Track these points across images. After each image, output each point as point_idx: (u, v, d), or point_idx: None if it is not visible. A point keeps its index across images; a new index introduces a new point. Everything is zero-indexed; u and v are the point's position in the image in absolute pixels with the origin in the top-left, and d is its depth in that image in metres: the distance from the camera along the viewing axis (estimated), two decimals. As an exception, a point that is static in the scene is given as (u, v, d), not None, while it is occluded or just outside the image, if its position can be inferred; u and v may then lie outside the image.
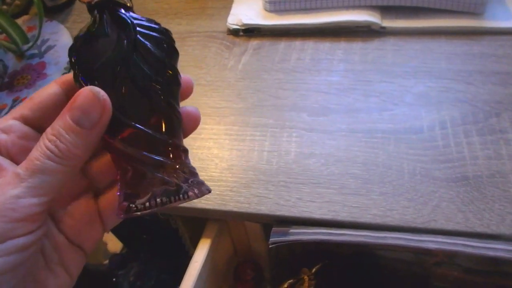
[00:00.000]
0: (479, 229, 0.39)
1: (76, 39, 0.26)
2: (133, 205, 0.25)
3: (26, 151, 0.25)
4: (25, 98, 0.59)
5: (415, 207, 0.41)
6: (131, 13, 0.26)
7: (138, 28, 0.25)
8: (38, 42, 0.66)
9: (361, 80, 0.52)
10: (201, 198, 0.26)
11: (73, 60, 0.26)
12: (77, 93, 0.24)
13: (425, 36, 0.55)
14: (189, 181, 0.26)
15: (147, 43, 0.25)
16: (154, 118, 0.26)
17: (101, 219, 0.29)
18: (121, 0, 0.26)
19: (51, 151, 0.23)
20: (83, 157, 0.24)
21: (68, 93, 0.27)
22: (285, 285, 0.51)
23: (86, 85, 0.24)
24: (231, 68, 0.56)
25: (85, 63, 0.25)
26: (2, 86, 0.61)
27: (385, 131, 0.47)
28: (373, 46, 0.55)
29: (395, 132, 0.46)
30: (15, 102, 0.58)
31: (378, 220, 0.41)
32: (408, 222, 0.40)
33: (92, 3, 0.25)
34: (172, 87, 0.27)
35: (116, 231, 0.74)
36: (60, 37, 0.66)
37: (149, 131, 0.25)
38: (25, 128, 0.27)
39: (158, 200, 0.25)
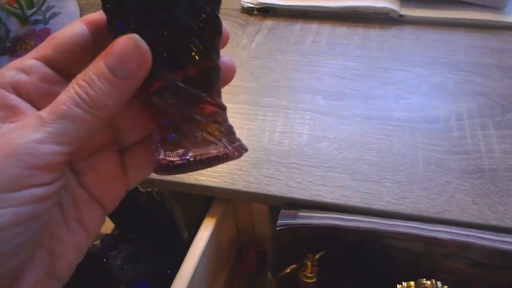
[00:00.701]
0: (493, 222, 0.38)
1: None
2: (171, 162, 0.24)
3: (47, 95, 0.23)
4: (29, 63, 0.57)
5: (429, 197, 0.40)
6: None
7: None
8: (43, 8, 0.63)
9: (378, 67, 0.51)
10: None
11: (109, 5, 0.23)
12: (116, 39, 0.22)
13: (444, 27, 0.54)
14: (227, 140, 0.25)
15: None
16: (191, 71, 0.24)
17: (125, 175, 0.27)
18: None
19: (81, 98, 0.21)
20: (113, 108, 0.22)
21: (94, 35, 0.25)
22: (288, 270, 0.50)
23: (121, 30, 0.22)
24: (244, 46, 0.55)
25: (121, 6, 0.23)
26: (4, 50, 0.59)
27: (401, 119, 0.46)
28: (391, 34, 0.54)
29: (410, 121, 0.46)
30: (19, 66, 0.56)
31: (391, 208, 0.40)
32: (421, 211, 0.40)
33: None
34: (213, 38, 0.25)
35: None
36: (66, 5, 0.64)
37: (185, 86, 0.24)
38: (47, 70, 0.24)
39: (196, 158, 0.24)
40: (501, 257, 0.42)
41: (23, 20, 0.63)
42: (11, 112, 0.22)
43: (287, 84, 0.50)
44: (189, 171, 0.25)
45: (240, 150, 0.26)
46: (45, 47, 0.24)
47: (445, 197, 0.40)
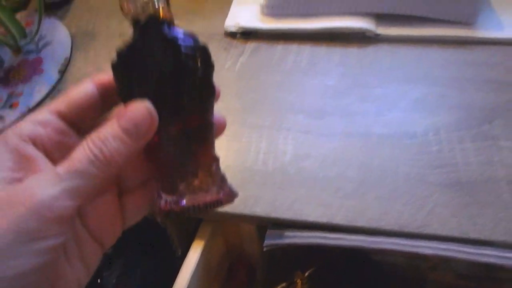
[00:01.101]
0: (472, 235, 0.39)
1: (121, 52, 0.27)
2: (170, 208, 0.27)
3: (60, 146, 0.26)
4: (20, 93, 0.58)
5: (409, 212, 0.41)
6: (173, 29, 0.27)
7: (181, 47, 0.26)
8: (36, 38, 0.65)
9: (357, 85, 0.52)
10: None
11: (119, 74, 0.27)
12: (131, 105, 0.25)
13: (419, 43, 0.56)
14: (220, 187, 0.28)
15: (188, 60, 0.27)
16: (188, 126, 0.27)
17: (123, 216, 0.29)
18: (168, 18, 0.27)
19: (95, 156, 0.24)
20: (123, 165, 0.25)
21: (103, 95, 0.28)
22: None
23: (130, 96, 0.26)
24: (228, 68, 0.57)
25: (129, 76, 0.27)
26: (-3, 80, 0.61)
27: (381, 135, 0.47)
28: (369, 52, 0.56)
29: (390, 137, 0.47)
30: (10, 96, 0.58)
31: (373, 224, 0.41)
32: (402, 227, 0.41)
33: (140, 21, 0.27)
34: (208, 100, 0.29)
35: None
36: (58, 34, 0.66)
37: (182, 139, 0.27)
38: (61, 124, 0.27)
39: (193, 204, 0.27)
40: (484, 269, 0.43)
41: (16, 49, 0.65)
42: (28, 162, 0.25)
43: (270, 104, 0.52)
44: (187, 215, 0.28)
45: (231, 196, 0.29)
46: (59, 103, 0.27)
47: (425, 211, 0.41)
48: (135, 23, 0.27)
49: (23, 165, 0.25)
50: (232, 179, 0.45)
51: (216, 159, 0.29)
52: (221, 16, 0.63)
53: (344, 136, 0.48)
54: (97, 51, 0.63)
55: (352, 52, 0.56)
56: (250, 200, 0.44)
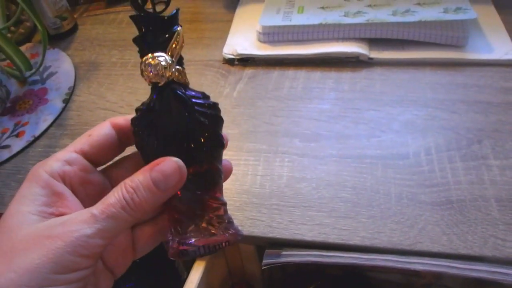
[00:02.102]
0: (463, 251, 0.41)
1: (140, 109, 0.31)
2: (182, 250, 0.30)
3: (84, 182, 0.30)
4: (26, 122, 0.61)
5: (401, 230, 0.43)
6: (188, 91, 0.31)
7: (194, 105, 0.30)
8: (40, 69, 0.68)
9: (351, 108, 0.54)
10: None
11: (138, 129, 0.31)
12: (162, 159, 0.28)
13: (411, 66, 0.58)
14: (227, 229, 0.31)
15: (201, 118, 0.30)
16: (200, 178, 0.31)
17: (134, 248, 0.32)
18: (183, 80, 0.31)
19: (127, 202, 0.27)
20: (149, 212, 0.28)
21: (119, 135, 0.32)
22: (278, 307, 0.52)
23: (147, 148, 0.30)
24: (226, 95, 0.59)
25: (147, 130, 0.30)
26: (5, 110, 0.63)
27: (373, 156, 0.49)
28: (362, 76, 0.58)
29: (382, 158, 0.49)
30: (17, 126, 0.60)
31: (366, 242, 0.42)
32: (395, 244, 0.42)
33: (158, 83, 0.30)
34: (218, 151, 0.32)
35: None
36: (62, 64, 0.69)
37: (194, 187, 0.30)
38: (85, 162, 0.30)
39: (203, 246, 0.30)
40: (476, 284, 0.44)
41: (22, 80, 0.68)
42: (58, 198, 0.28)
43: (266, 129, 0.54)
44: (198, 257, 0.34)
45: (237, 236, 0.32)
46: (83, 143, 0.31)
47: (417, 229, 0.43)
48: (154, 85, 0.30)
49: (55, 200, 0.28)
50: (230, 201, 0.47)
51: (223, 203, 0.32)
52: (219, 44, 0.66)
53: (338, 158, 0.49)
54: (99, 81, 0.66)
55: (346, 76, 0.58)
56: (248, 221, 0.45)
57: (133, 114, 0.32)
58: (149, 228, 0.33)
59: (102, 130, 0.31)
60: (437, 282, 0.44)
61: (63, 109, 0.62)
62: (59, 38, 0.74)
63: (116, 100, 0.62)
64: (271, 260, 0.44)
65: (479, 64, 0.57)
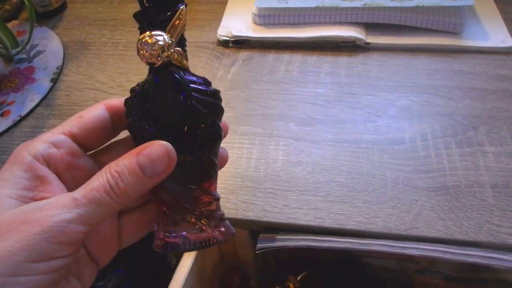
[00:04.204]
0: (458, 236, 0.41)
1: (134, 90, 0.29)
2: (168, 243, 0.28)
3: (71, 167, 0.28)
4: (12, 102, 0.59)
5: (397, 215, 0.42)
6: (187, 75, 0.28)
7: (193, 93, 0.28)
8: (27, 47, 0.66)
9: (347, 93, 0.54)
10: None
11: (131, 110, 0.28)
12: (150, 143, 0.26)
13: (407, 52, 0.58)
14: (217, 226, 0.29)
15: (198, 105, 0.28)
16: (192, 169, 0.29)
17: (120, 237, 0.31)
18: (183, 64, 0.28)
19: (111, 187, 0.24)
20: (134, 199, 0.26)
21: (113, 118, 0.30)
22: (270, 292, 0.51)
23: (139, 131, 0.28)
24: (220, 78, 0.58)
25: (140, 113, 0.28)
26: (-11, 89, 0.61)
27: (369, 141, 0.48)
28: (358, 61, 0.57)
29: (378, 143, 0.48)
30: (2, 105, 0.58)
31: (362, 227, 0.42)
32: (391, 229, 0.42)
33: (155, 64, 0.28)
34: (214, 143, 0.30)
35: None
36: (50, 43, 0.67)
37: (186, 181, 0.28)
38: (73, 145, 0.28)
39: (190, 241, 0.28)
40: (471, 270, 0.44)
41: (8, 59, 0.65)
42: (40, 182, 0.26)
43: (262, 112, 0.53)
44: (184, 252, 0.30)
45: (228, 235, 0.30)
46: (73, 125, 0.28)
47: (413, 214, 0.42)
48: (151, 65, 0.28)
49: (37, 184, 0.26)
50: (224, 184, 0.46)
51: (216, 199, 0.30)
52: (214, 26, 0.64)
53: (334, 142, 0.49)
54: (89, 61, 0.64)
55: (342, 61, 0.58)
56: (243, 205, 0.45)
57: (128, 96, 0.30)
58: (137, 217, 0.31)
59: (94, 112, 0.29)
60: (432, 267, 0.44)
61: (51, 89, 0.60)
62: (47, 16, 0.72)
63: (106, 81, 0.60)
64: (265, 244, 0.43)
65: (475, 51, 0.57)
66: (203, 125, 0.28)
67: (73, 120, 0.29)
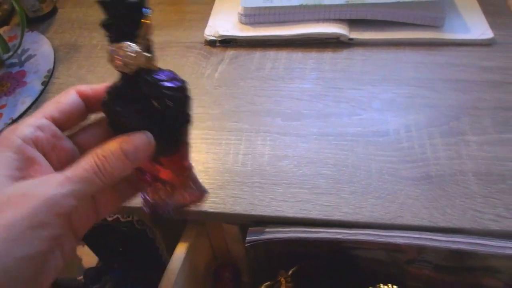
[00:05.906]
0: (442, 223, 0.41)
1: (110, 91, 0.32)
2: (152, 205, 0.37)
3: (54, 148, 0.31)
4: (4, 105, 0.59)
5: (383, 205, 0.43)
6: (156, 75, 0.31)
7: (163, 90, 0.31)
8: (19, 52, 0.67)
9: (332, 88, 0.54)
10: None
11: (109, 110, 0.32)
12: (135, 133, 0.30)
13: (391, 47, 0.58)
14: (192, 188, 0.36)
15: (168, 102, 0.31)
16: (168, 149, 0.34)
17: (97, 210, 0.34)
18: (151, 66, 0.31)
19: (99, 168, 0.28)
20: (118, 179, 0.30)
21: (86, 103, 0.33)
22: (262, 288, 0.52)
23: (119, 127, 0.31)
24: (208, 76, 0.58)
25: (117, 111, 0.31)
26: (-19, 94, 0.62)
27: (354, 134, 0.49)
28: (343, 56, 0.58)
29: (363, 135, 0.49)
30: (-6, 109, 0.59)
31: (348, 218, 0.43)
32: (376, 219, 0.42)
33: (130, 73, 0.30)
34: (185, 128, 0.35)
35: (91, 243, 0.74)
36: (41, 47, 0.67)
37: (159, 154, 0.33)
38: (55, 128, 0.31)
39: (170, 203, 0.36)
40: (457, 258, 0.45)
41: (-1, 63, 0.66)
42: (30, 163, 0.29)
43: (249, 108, 0.54)
44: (166, 212, 0.38)
45: (202, 195, 0.40)
46: (52, 109, 0.32)
47: (398, 204, 0.43)
48: (124, 72, 0.31)
49: (28, 165, 0.29)
50: (212, 180, 0.47)
51: (189, 168, 0.37)
52: (201, 26, 0.65)
53: (319, 136, 0.50)
54: (79, 63, 0.65)
55: (327, 57, 0.58)
56: (230, 199, 0.45)
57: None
58: (111, 193, 0.35)
59: (69, 97, 0.32)
60: (420, 257, 0.45)
61: (42, 92, 0.61)
62: (38, 21, 0.73)
63: (96, 82, 0.60)
64: (254, 237, 0.44)
65: (457, 44, 0.58)
66: (174, 116, 0.32)
67: (51, 104, 0.32)
